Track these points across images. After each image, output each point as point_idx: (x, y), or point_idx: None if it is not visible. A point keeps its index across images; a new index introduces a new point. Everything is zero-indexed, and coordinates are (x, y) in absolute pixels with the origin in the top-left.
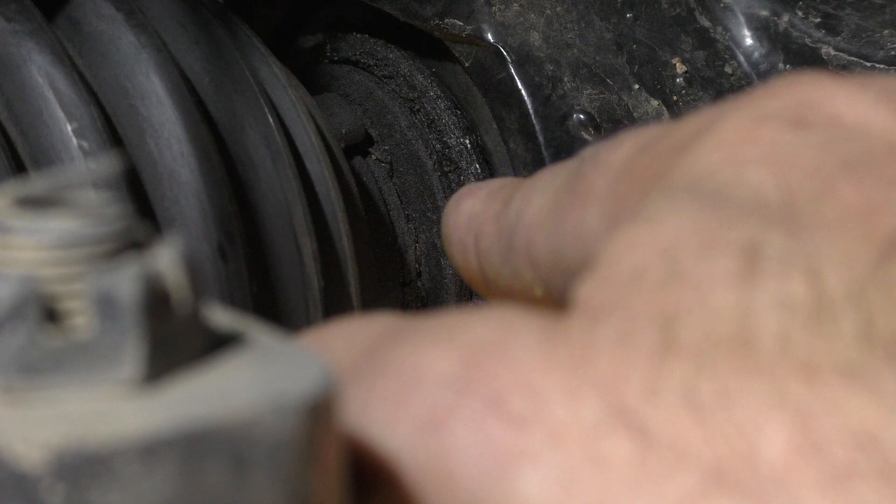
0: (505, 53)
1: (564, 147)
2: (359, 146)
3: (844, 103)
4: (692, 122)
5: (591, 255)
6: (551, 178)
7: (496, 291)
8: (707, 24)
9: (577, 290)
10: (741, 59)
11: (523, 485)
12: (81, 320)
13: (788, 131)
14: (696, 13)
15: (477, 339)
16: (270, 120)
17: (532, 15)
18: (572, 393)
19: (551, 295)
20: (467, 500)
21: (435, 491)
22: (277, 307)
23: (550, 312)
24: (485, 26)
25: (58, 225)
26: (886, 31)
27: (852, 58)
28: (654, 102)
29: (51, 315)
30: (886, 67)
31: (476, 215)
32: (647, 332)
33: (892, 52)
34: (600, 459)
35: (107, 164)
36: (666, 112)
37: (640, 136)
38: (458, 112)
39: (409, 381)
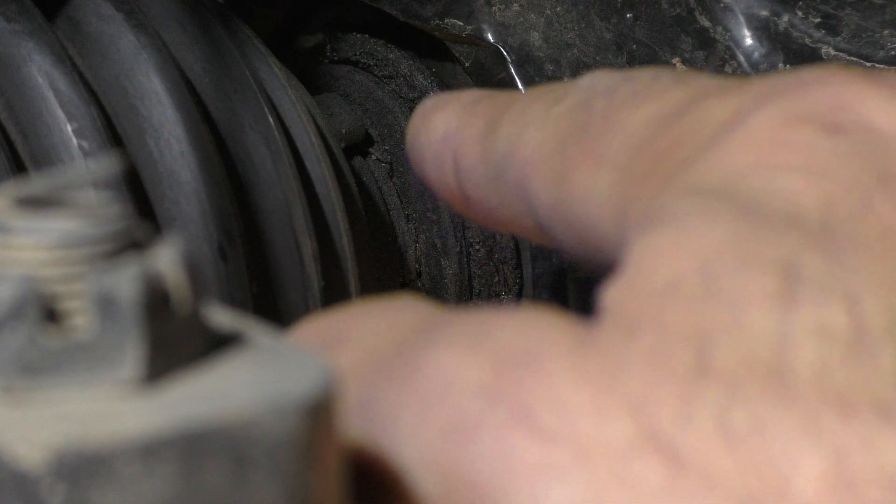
0: (505, 53)
1: None
2: (359, 146)
3: (878, 109)
4: (719, 105)
5: (600, 228)
6: (547, 108)
7: (479, 211)
8: (707, 24)
9: (608, 296)
10: (741, 59)
11: (547, 500)
12: (81, 320)
13: (823, 136)
14: (696, 13)
15: (507, 346)
16: (270, 120)
17: (532, 15)
18: (603, 411)
19: (544, 232)
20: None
21: (455, 499)
22: (277, 307)
23: (580, 317)
24: (485, 26)
25: (58, 225)
26: (886, 31)
27: (852, 58)
28: None
29: (51, 315)
30: (886, 67)
31: (453, 133)
32: (681, 352)
33: (893, 52)
34: (629, 481)
35: (107, 165)
36: None
37: (660, 100)
38: None
39: (437, 387)
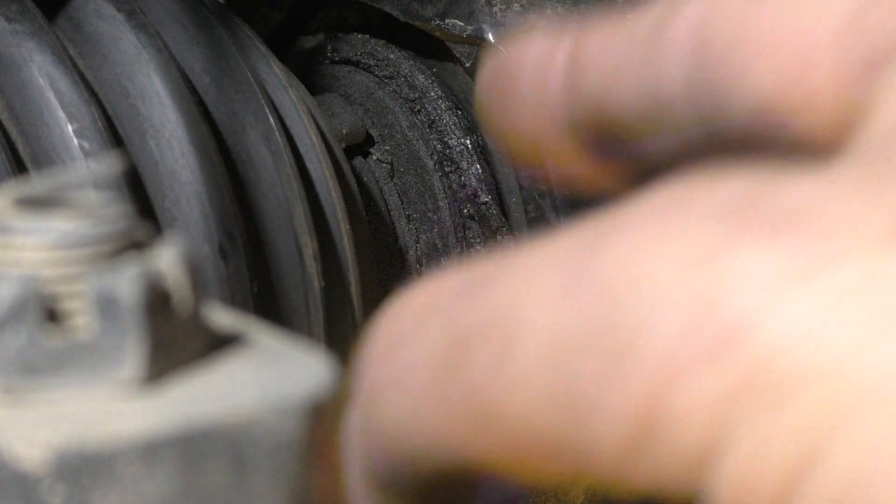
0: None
1: None
2: (359, 146)
3: None
4: None
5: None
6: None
7: (589, 127)
8: None
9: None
10: None
11: (795, 308)
12: (82, 321)
13: None
14: None
15: (750, 178)
16: (271, 120)
17: (533, 15)
18: (864, 213)
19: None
20: (732, 325)
21: (695, 323)
22: (278, 307)
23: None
24: (486, 27)
25: (59, 225)
26: None
27: None
28: None
29: (51, 315)
30: None
31: (569, 35)
32: None
33: None
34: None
35: (107, 165)
36: None
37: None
38: (459, 112)
39: (678, 214)
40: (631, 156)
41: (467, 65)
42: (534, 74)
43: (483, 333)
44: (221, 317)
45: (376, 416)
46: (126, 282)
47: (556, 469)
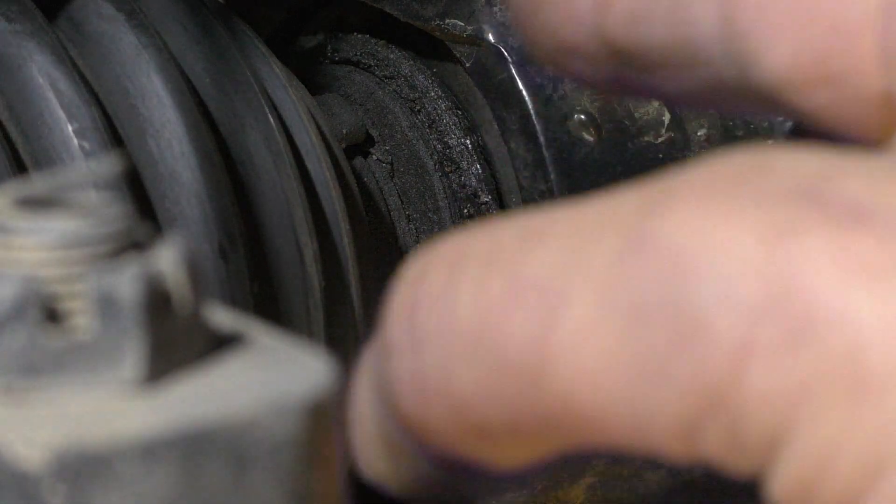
0: (506, 54)
1: (566, 147)
2: (360, 146)
3: None
4: None
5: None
6: None
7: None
8: None
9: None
10: None
11: (881, 304)
12: (82, 320)
13: None
14: None
15: (813, 161)
16: (271, 120)
17: None
18: None
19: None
20: (814, 313)
21: (774, 305)
22: (278, 307)
23: None
24: (486, 27)
25: (59, 225)
26: None
27: None
28: (656, 103)
29: (52, 315)
30: None
31: None
32: None
33: None
34: None
35: (107, 165)
36: (667, 112)
37: None
38: (459, 112)
39: (746, 189)
40: (651, 84)
41: (467, 65)
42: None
43: (530, 291)
44: (221, 317)
45: (399, 372)
46: (126, 282)
47: (598, 438)
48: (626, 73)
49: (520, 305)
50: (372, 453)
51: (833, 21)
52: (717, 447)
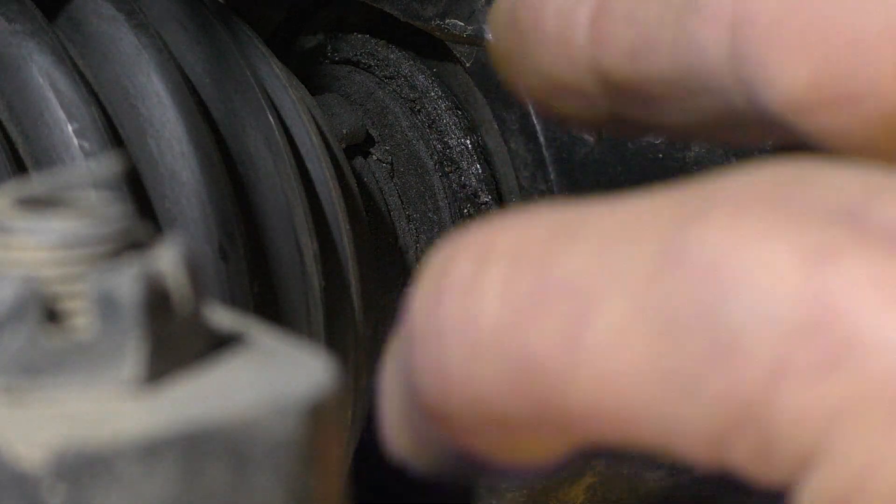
0: None
1: (566, 147)
2: (360, 146)
3: None
4: None
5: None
6: None
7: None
8: None
9: None
10: None
11: None
12: (82, 321)
13: None
14: None
15: (864, 174)
16: (271, 120)
17: None
18: None
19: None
20: (853, 337)
21: (812, 326)
22: (278, 307)
23: None
24: (486, 27)
25: (59, 225)
26: None
27: None
28: None
29: (52, 315)
30: None
31: None
32: None
33: None
34: None
35: (107, 165)
36: None
37: None
38: (459, 112)
39: (784, 206)
40: (650, 119)
41: (467, 65)
42: (557, 16)
43: (559, 293)
44: (221, 317)
45: (421, 360)
46: (126, 282)
47: (620, 440)
48: (624, 110)
49: (548, 307)
50: (397, 433)
51: (851, 36)
52: (745, 459)
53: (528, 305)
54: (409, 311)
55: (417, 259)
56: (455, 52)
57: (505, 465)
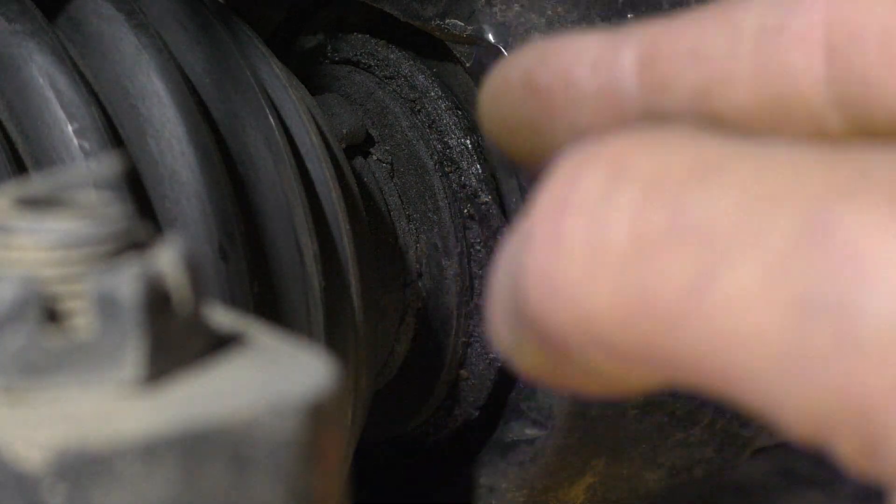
0: (506, 54)
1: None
2: (360, 146)
3: None
4: None
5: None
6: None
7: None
8: None
9: None
10: None
11: None
12: (82, 320)
13: None
14: None
15: None
16: (271, 120)
17: (533, 15)
18: None
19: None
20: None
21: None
22: (278, 307)
23: None
24: (486, 27)
25: (59, 225)
26: None
27: None
28: None
29: (52, 315)
30: None
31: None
32: None
33: None
34: None
35: (107, 165)
36: None
37: None
38: (460, 112)
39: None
40: None
41: (467, 65)
42: (594, 70)
43: (693, 234)
44: (221, 317)
45: (534, 268)
46: (126, 282)
47: (721, 394)
48: None
49: (679, 248)
50: (499, 328)
51: None
52: (849, 450)
53: (657, 240)
54: (530, 210)
55: (417, 259)
56: (455, 52)
57: (588, 390)
